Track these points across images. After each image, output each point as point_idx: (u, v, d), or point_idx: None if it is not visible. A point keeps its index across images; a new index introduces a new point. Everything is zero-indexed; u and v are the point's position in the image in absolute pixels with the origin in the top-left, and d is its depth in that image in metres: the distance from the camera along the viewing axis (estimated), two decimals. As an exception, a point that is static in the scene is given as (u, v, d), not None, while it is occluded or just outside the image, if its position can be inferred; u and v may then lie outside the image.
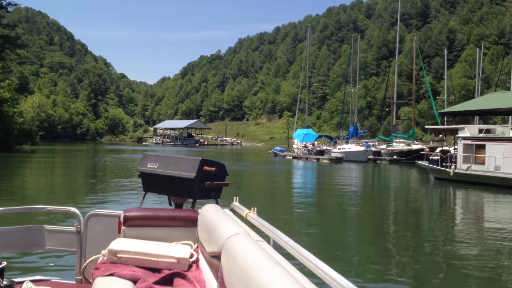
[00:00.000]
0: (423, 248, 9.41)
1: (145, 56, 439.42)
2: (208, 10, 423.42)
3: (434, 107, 54.82)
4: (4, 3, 44.64)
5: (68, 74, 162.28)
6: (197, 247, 2.88)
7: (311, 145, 52.39)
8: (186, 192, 3.42)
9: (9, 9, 45.36)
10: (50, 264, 6.41)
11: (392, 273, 7.49)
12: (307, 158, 48.11)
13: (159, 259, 2.69)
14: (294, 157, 50.54)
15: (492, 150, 20.41)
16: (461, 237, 10.66)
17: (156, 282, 2.53)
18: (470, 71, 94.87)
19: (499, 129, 22.15)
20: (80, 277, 3.25)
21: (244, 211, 2.87)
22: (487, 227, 11.88)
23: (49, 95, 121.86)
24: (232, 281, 1.72)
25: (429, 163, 24.25)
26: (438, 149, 42.21)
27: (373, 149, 49.70)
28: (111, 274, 2.55)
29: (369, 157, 46.13)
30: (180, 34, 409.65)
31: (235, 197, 3.18)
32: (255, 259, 1.64)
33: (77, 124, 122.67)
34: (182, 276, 2.58)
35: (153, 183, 3.59)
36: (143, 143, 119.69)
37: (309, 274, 1.69)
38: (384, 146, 51.40)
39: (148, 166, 3.55)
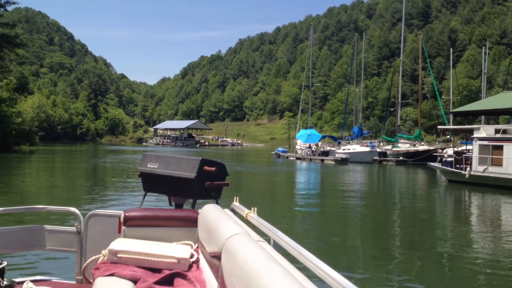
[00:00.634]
0: (437, 255, 8.88)
1: (145, 56, 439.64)
2: (208, 10, 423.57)
3: (441, 107, 54.10)
4: (3, 1, 44.08)
5: (68, 74, 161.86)
6: (197, 247, 2.87)
7: (314, 146, 51.51)
8: (186, 192, 3.42)
9: (8, 8, 44.80)
10: (50, 263, 6.40)
11: (395, 276, 7.23)
12: (311, 159, 47.18)
13: (160, 259, 2.69)
14: (298, 158, 49.65)
15: (511, 151, 19.54)
16: (478, 244, 10.12)
17: (157, 282, 2.53)
18: (472, 71, 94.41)
19: None
20: (81, 277, 3.24)
21: (244, 211, 2.85)
22: (506, 234, 11.30)
23: (49, 95, 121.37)
24: (232, 281, 1.72)
25: (442, 165, 23.31)
26: (447, 150, 41.24)
27: (378, 149, 48.77)
28: (112, 274, 2.55)
29: (375, 158, 45.22)
30: (180, 34, 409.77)
31: (235, 197, 3.14)
32: (255, 259, 1.64)
33: (77, 124, 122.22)
34: (182, 276, 2.58)
35: (153, 183, 3.58)
36: (143, 143, 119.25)
37: (309, 274, 1.68)
38: (389, 147, 50.56)
39: (148, 166, 3.54)
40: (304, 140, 51.16)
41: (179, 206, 3.53)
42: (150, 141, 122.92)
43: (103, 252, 2.87)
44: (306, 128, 58.13)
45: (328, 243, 9.80)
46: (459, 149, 28.10)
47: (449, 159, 22.40)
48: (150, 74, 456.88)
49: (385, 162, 44.65)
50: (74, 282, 3.33)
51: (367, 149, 46.83)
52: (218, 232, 2.26)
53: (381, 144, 55.44)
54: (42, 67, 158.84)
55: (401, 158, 44.41)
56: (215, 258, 2.20)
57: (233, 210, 3.05)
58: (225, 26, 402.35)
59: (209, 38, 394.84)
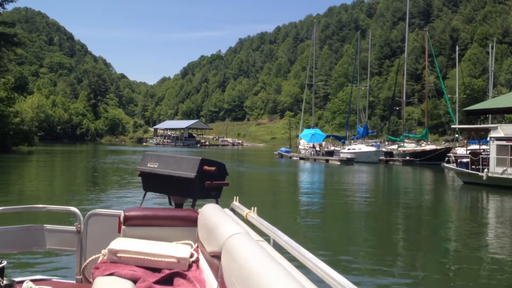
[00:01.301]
0: (454, 259, 8.28)
1: (145, 56, 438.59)
2: (208, 10, 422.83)
3: (449, 106, 53.26)
4: (1, 0, 43.39)
5: (67, 74, 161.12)
6: (197, 246, 2.87)
7: (318, 146, 50.56)
8: (186, 191, 3.41)
9: (6, 6, 44.14)
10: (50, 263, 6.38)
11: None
12: (315, 159, 46.28)
13: (159, 259, 2.69)
14: (301, 158, 48.71)
15: None
16: (502, 250, 9.50)
17: (156, 282, 2.54)
18: (475, 70, 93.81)
19: None
20: (80, 277, 3.24)
21: (244, 210, 2.85)
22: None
23: (48, 95, 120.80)
24: (232, 281, 1.73)
25: (457, 166, 22.38)
26: (455, 150, 40.22)
27: (383, 149, 47.72)
28: (111, 274, 2.55)
29: (381, 158, 44.21)
30: (180, 34, 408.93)
31: (235, 197, 3.12)
32: (255, 258, 1.64)
33: (77, 124, 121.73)
34: (182, 275, 2.58)
35: (153, 182, 3.57)
36: (144, 143, 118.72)
37: (309, 273, 1.68)
38: (393, 147, 49.69)
39: (148, 165, 3.53)
40: (308, 140, 50.09)
41: (179, 205, 3.52)
42: (150, 141, 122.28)
43: (103, 251, 2.86)
44: (308, 128, 57.29)
45: (330, 244, 9.50)
46: (467, 148, 27.30)
47: (465, 160, 21.38)
48: (150, 74, 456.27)
49: (391, 162, 43.63)
50: (74, 282, 3.32)
51: (373, 149, 45.71)
52: (218, 231, 2.26)
53: (387, 143, 54.58)
54: (42, 67, 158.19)
55: (407, 158, 43.34)
56: (215, 258, 2.21)
57: (233, 210, 3.03)
58: (225, 26, 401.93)
59: (209, 38, 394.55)
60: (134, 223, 3.04)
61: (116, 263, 2.69)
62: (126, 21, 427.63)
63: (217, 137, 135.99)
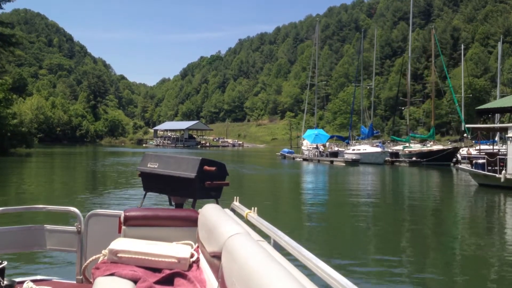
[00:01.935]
0: (470, 267, 7.69)
1: (144, 57, 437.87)
2: (207, 11, 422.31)
3: (457, 104, 52.57)
4: (-1, -1, 42.81)
5: (67, 76, 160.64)
6: (198, 246, 2.88)
7: (321, 146, 49.62)
8: (186, 191, 3.41)
9: (3, 6, 43.48)
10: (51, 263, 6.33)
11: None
12: (319, 161, 45.29)
13: (160, 259, 2.69)
14: (305, 159, 47.78)
15: None
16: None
17: (157, 282, 2.55)
18: (476, 70, 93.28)
19: None
20: (81, 277, 3.24)
21: (244, 210, 2.85)
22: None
23: (48, 97, 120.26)
24: (232, 281, 1.73)
25: (472, 167, 21.56)
26: (464, 149, 39.20)
27: (387, 150, 46.67)
28: (112, 274, 2.56)
29: (386, 158, 43.22)
30: (180, 35, 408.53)
31: (235, 197, 3.12)
32: (256, 259, 1.64)
33: (76, 126, 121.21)
34: (182, 276, 2.59)
35: (153, 182, 3.56)
36: (143, 145, 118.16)
37: (309, 274, 1.68)
38: (397, 147, 48.77)
39: (148, 165, 3.52)
40: (311, 141, 49.03)
41: (179, 205, 3.51)
42: (150, 142, 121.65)
43: (103, 251, 2.86)
44: (310, 128, 56.48)
45: (332, 246, 9.20)
46: (479, 149, 26.51)
47: (480, 160, 20.56)
48: (149, 75, 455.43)
49: (397, 163, 42.65)
50: (75, 282, 3.31)
51: (379, 149, 44.67)
52: (218, 231, 2.26)
53: (391, 144, 53.74)
54: (41, 69, 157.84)
55: (414, 158, 42.24)
56: (215, 258, 2.21)
57: (233, 210, 3.02)
58: (225, 27, 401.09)
59: (208, 39, 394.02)
60: (134, 223, 3.04)
61: (117, 263, 2.69)
62: (126, 23, 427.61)
63: (217, 138, 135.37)
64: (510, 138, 18.55)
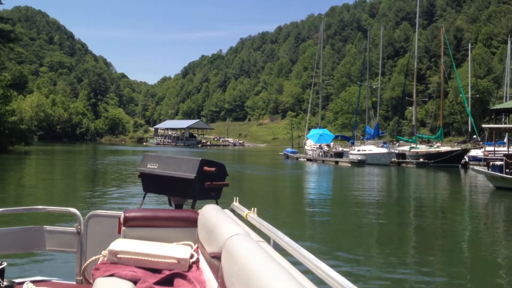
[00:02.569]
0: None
1: (145, 56, 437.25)
2: (209, 10, 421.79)
3: (467, 105, 51.79)
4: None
5: (68, 73, 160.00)
6: (197, 247, 2.89)
7: (326, 147, 48.68)
8: (186, 192, 3.42)
9: (3, 1, 42.79)
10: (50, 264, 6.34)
11: None
12: (323, 161, 44.46)
13: (159, 260, 2.69)
14: (309, 160, 46.87)
15: None
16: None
17: (157, 283, 2.56)
18: (479, 71, 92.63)
19: None
20: (81, 278, 3.25)
21: (244, 211, 2.87)
22: None
23: (48, 94, 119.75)
24: (232, 282, 1.74)
25: (488, 169, 20.85)
26: (474, 151, 38.31)
27: (393, 150, 45.55)
28: (112, 275, 2.57)
29: (392, 159, 42.27)
30: (181, 35, 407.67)
31: (235, 198, 3.12)
32: (255, 259, 1.64)
33: (77, 124, 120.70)
34: (182, 276, 2.60)
35: (153, 183, 3.57)
36: (144, 143, 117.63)
37: (309, 274, 1.68)
38: (402, 148, 47.84)
39: (148, 166, 3.51)
40: (315, 141, 47.99)
41: (179, 206, 3.50)
42: (151, 140, 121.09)
43: (103, 252, 2.87)
44: (313, 128, 55.74)
45: (331, 246, 8.96)
46: (483, 150, 25.94)
47: (498, 162, 19.82)
48: (150, 74, 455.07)
49: (404, 164, 41.73)
50: (74, 283, 3.32)
51: (385, 150, 43.69)
52: (218, 232, 2.26)
53: (397, 144, 52.93)
54: (42, 66, 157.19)
55: (421, 160, 41.26)
56: (215, 259, 2.21)
57: (233, 211, 3.03)
58: (226, 26, 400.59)
59: (209, 38, 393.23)
60: (134, 224, 3.03)
61: (116, 264, 2.68)
62: (127, 21, 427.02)
63: (218, 137, 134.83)
64: None
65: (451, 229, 11.82)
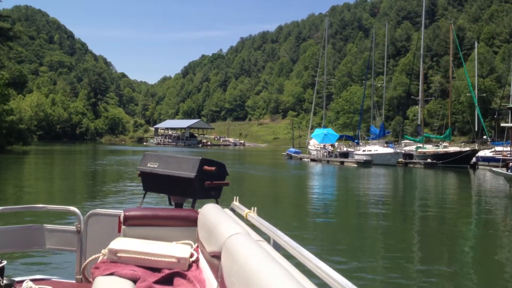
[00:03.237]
0: None
1: (145, 55, 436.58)
2: (209, 10, 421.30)
3: (476, 105, 51.03)
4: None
5: (67, 73, 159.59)
6: (197, 246, 2.89)
7: (330, 146, 47.73)
8: (186, 191, 3.42)
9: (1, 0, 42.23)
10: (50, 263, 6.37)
11: None
12: (328, 161, 43.62)
13: (159, 259, 2.69)
14: (313, 160, 46.02)
15: None
16: None
17: (156, 282, 2.56)
18: (482, 70, 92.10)
19: None
20: (80, 276, 3.26)
21: (244, 210, 2.86)
22: None
23: (48, 94, 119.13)
24: (232, 281, 1.74)
25: (507, 170, 20.11)
26: (485, 151, 37.55)
27: (399, 150, 44.63)
28: (111, 274, 2.58)
29: (399, 160, 41.41)
30: (181, 34, 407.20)
31: (235, 197, 3.11)
32: (255, 258, 1.64)
33: (76, 123, 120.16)
34: (182, 275, 2.60)
35: (153, 182, 3.56)
36: (144, 143, 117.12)
37: (309, 274, 1.68)
38: (407, 148, 46.97)
39: (148, 165, 3.51)
40: (320, 140, 46.97)
41: (179, 205, 3.50)
42: (151, 140, 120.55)
43: (103, 251, 2.88)
44: (317, 127, 54.91)
45: (332, 247, 8.72)
46: (493, 150, 25.32)
47: None
48: (150, 73, 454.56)
49: (411, 165, 40.83)
50: (74, 281, 3.32)
51: (391, 150, 42.82)
52: (218, 231, 2.27)
53: (403, 144, 52.13)
54: (42, 66, 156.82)
55: (429, 160, 40.34)
56: (215, 258, 2.22)
57: (233, 210, 3.03)
58: (226, 25, 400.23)
59: (210, 37, 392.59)
60: (134, 223, 3.03)
61: (116, 263, 2.70)
62: (127, 20, 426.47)
63: (218, 137, 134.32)
64: None
65: (468, 236, 11.25)
